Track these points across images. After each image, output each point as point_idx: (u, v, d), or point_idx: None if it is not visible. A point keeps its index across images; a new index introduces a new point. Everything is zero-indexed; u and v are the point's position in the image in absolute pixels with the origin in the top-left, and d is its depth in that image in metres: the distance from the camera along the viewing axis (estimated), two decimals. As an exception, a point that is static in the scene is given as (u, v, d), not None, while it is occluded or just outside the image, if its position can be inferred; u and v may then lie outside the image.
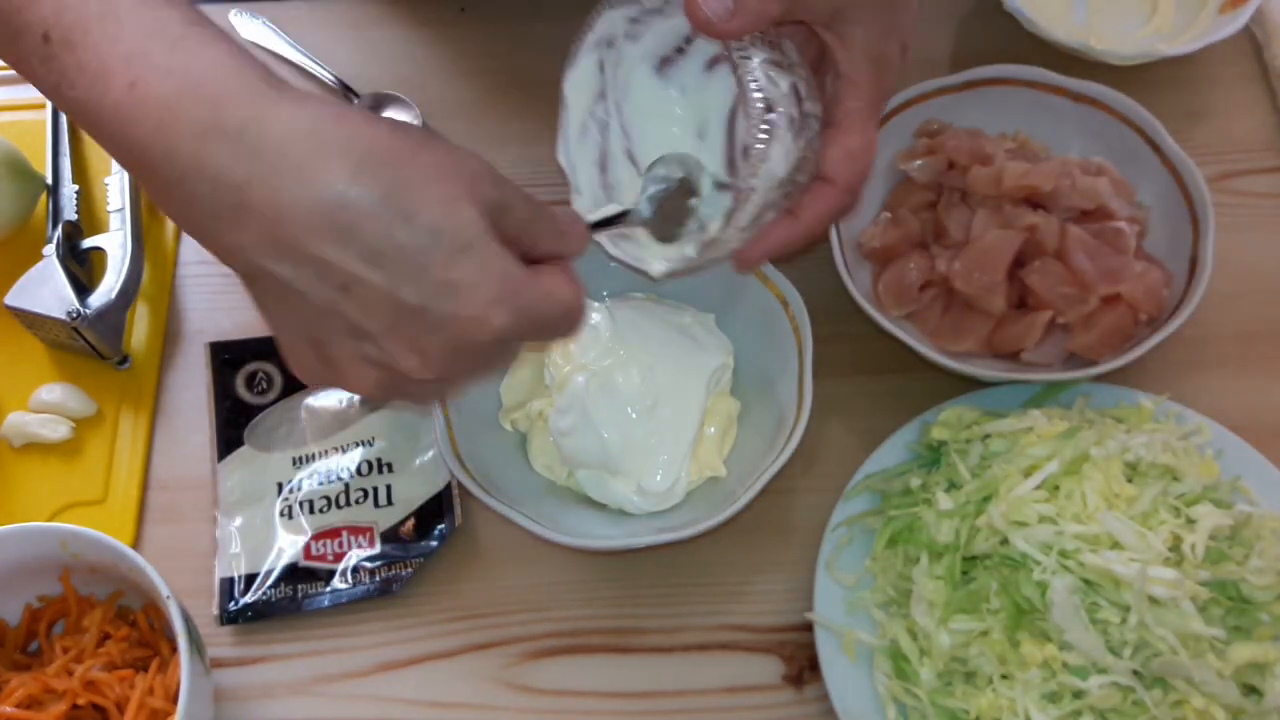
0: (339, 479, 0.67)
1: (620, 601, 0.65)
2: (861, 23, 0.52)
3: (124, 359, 0.72)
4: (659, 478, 0.63)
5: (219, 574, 0.65)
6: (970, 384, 0.67)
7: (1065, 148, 0.72)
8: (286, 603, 0.64)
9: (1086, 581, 0.54)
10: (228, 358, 0.71)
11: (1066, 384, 0.65)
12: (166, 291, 0.75)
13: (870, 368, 0.70)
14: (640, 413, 0.63)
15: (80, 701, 0.57)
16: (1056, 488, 0.58)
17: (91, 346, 0.70)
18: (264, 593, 0.64)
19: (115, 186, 0.75)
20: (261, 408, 0.70)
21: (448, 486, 0.67)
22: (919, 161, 0.70)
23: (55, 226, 0.73)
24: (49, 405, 0.70)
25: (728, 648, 0.64)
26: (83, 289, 0.70)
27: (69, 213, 0.74)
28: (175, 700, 0.54)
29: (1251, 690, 0.55)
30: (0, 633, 0.61)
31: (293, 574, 0.65)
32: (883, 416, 0.67)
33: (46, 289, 0.69)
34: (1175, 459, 0.59)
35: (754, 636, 0.64)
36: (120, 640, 0.59)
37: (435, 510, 0.66)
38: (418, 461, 0.68)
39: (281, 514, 0.66)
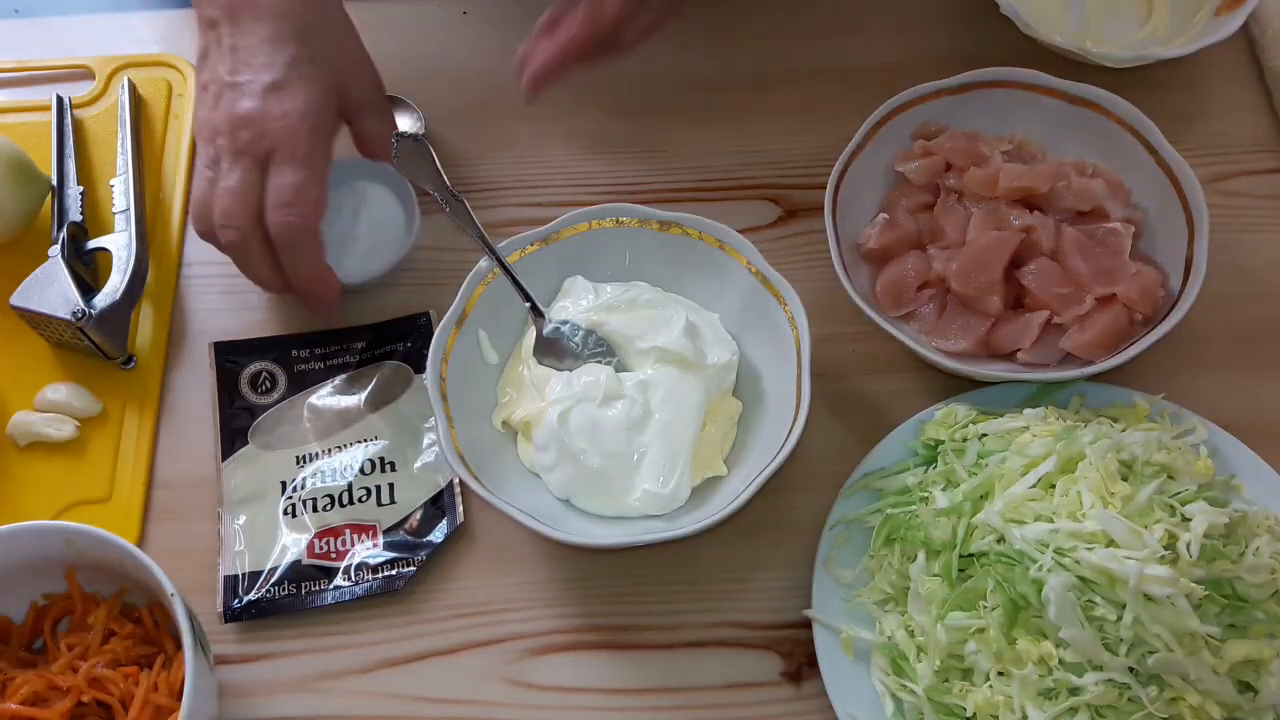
0: (342, 477, 0.68)
1: (620, 599, 0.65)
2: None
3: (129, 359, 0.72)
4: (660, 484, 0.63)
5: (223, 571, 0.65)
6: (967, 383, 0.68)
7: (1061, 149, 0.72)
8: (290, 600, 0.65)
9: (1082, 579, 0.55)
10: (232, 358, 0.72)
11: (1062, 383, 0.66)
12: (171, 292, 0.75)
13: (868, 368, 0.71)
14: (631, 429, 0.64)
15: (85, 698, 0.58)
16: (1052, 486, 0.58)
17: (96, 346, 0.70)
18: (267, 590, 0.65)
19: (120, 188, 0.75)
20: (265, 407, 0.70)
21: (450, 484, 0.67)
22: (916, 163, 0.71)
23: (60, 227, 0.74)
24: (54, 404, 0.71)
25: (727, 645, 0.64)
26: (88, 289, 0.70)
27: (74, 214, 0.75)
28: (179, 697, 0.54)
29: (1247, 687, 0.55)
30: (5, 630, 0.61)
31: (296, 572, 0.65)
32: (880, 416, 0.67)
33: (52, 289, 0.70)
34: (1170, 458, 0.59)
35: (753, 634, 0.64)
36: (125, 637, 0.60)
37: (437, 508, 0.67)
38: (420, 460, 0.68)
39: (285, 512, 0.67)
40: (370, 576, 0.65)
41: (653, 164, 0.78)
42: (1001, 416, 0.63)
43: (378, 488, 0.67)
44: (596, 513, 0.64)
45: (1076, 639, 0.54)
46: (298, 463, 0.68)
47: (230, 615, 0.64)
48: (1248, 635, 0.56)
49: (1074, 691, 0.55)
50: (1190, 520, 0.56)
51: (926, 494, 0.61)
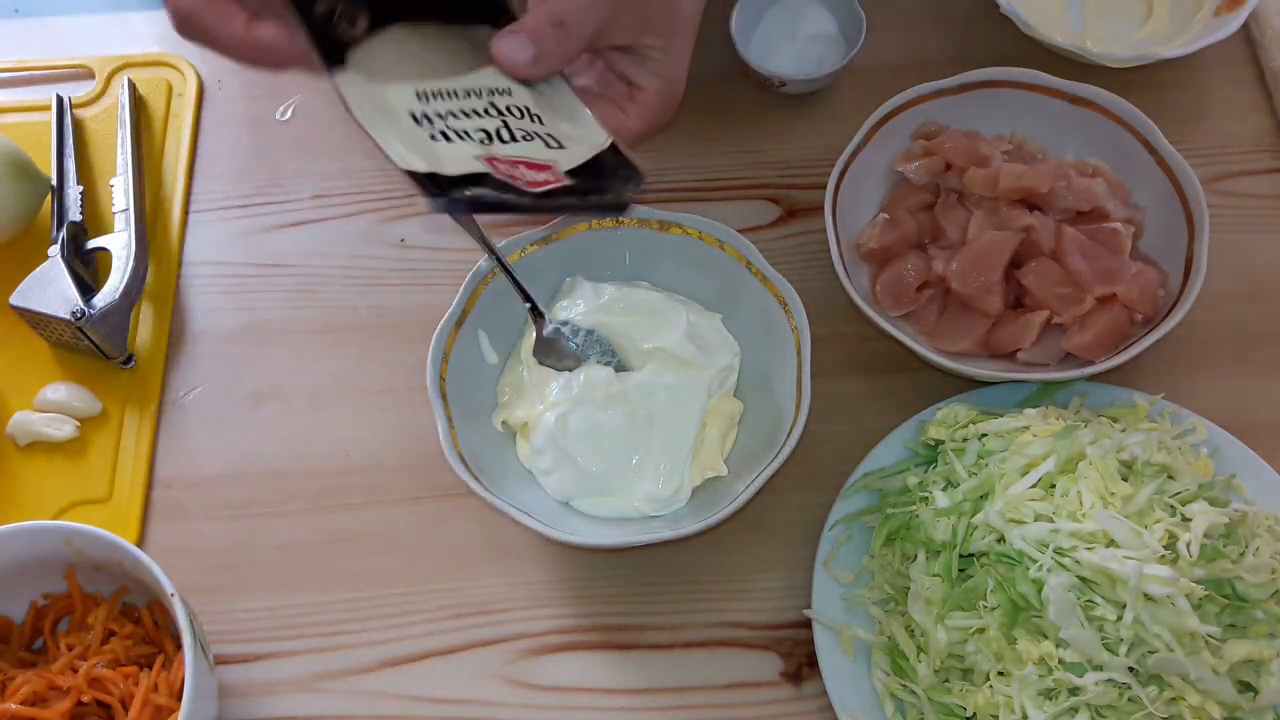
0: (491, 114, 0.53)
1: (620, 599, 0.65)
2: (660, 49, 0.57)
3: (128, 358, 0.72)
4: (660, 485, 0.63)
5: (401, 165, 0.51)
6: (967, 383, 0.68)
7: (1062, 149, 0.73)
8: (503, 190, 0.51)
9: (1083, 579, 0.55)
10: None
11: (1062, 383, 0.66)
12: (171, 291, 0.75)
13: (868, 368, 0.71)
14: (631, 430, 0.64)
15: (85, 698, 0.58)
16: (1053, 486, 0.58)
17: (96, 346, 0.70)
18: (470, 187, 0.51)
19: (120, 188, 0.76)
20: (352, 38, 0.54)
21: (611, 146, 0.55)
22: (916, 163, 0.71)
23: (60, 227, 0.74)
24: (54, 404, 0.71)
25: (727, 645, 0.64)
26: (87, 289, 0.70)
27: (74, 214, 0.75)
28: (179, 697, 0.54)
29: (1247, 687, 0.55)
30: (5, 630, 0.61)
31: (488, 181, 0.51)
32: (880, 416, 0.67)
33: (51, 289, 0.70)
34: (1170, 458, 0.59)
35: (753, 634, 0.64)
36: (125, 637, 0.60)
37: (616, 157, 0.55)
38: (566, 124, 0.56)
39: (433, 139, 0.52)
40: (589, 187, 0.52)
41: (653, 164, 0.78)
42: (1001, 416, 0.63)
43: (536, 134, 0.54)
44: (596, 514, 0.64)
45: (1076, 639, 0.54)
46: (421, 98, 0.53)
47: (445, 205, 0.51)
48: (1248, 635, 0.56)
49: (1074, 691, 0.55)
50: (1190, 520, 0.56)
51: (926, 494, 0.61)
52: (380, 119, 0.52)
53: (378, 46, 0.54)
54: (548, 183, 0.53)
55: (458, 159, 0.52)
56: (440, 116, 0.53)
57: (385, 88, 0.53)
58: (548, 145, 0.54)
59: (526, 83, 0.55)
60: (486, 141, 0.53)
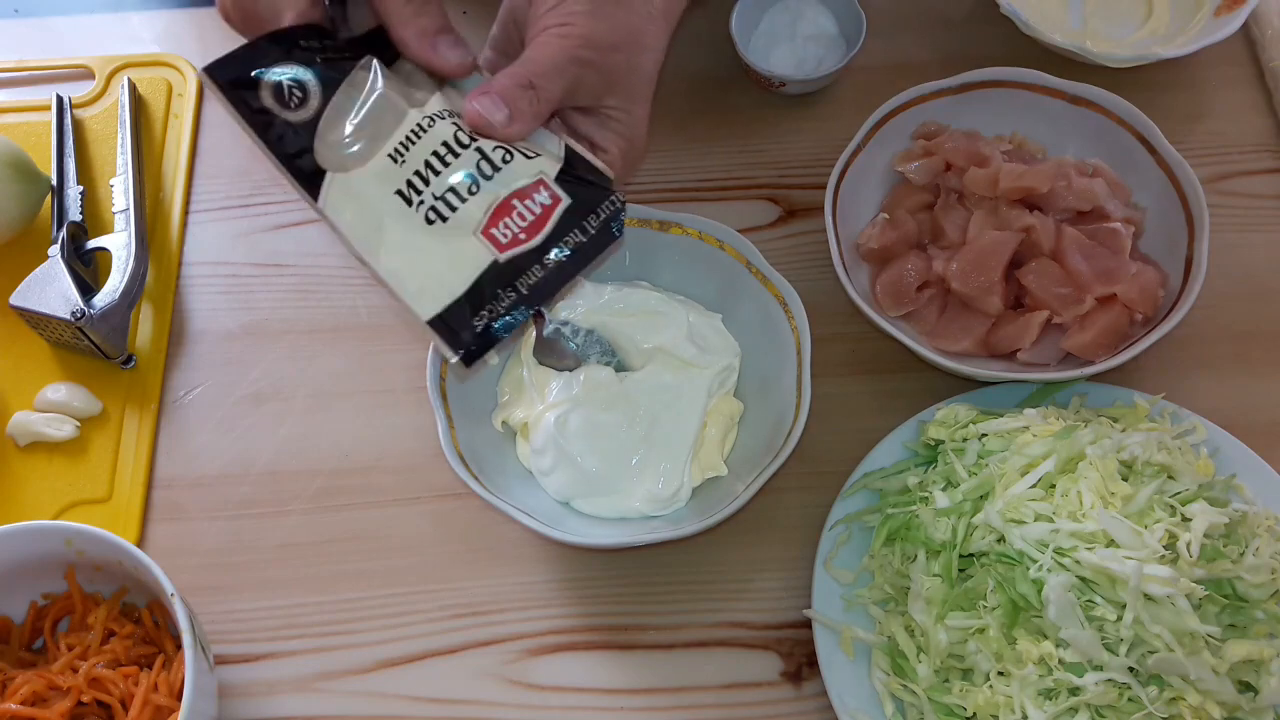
0: (464, 145, 0.51)
1: (620, 599, 0.65)
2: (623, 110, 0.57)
3: (128, 359, 0.72)
4: (660, 485, 0.63)
5: (424, 316, 0.50)
6: (967, 383, 0.68)
7: (1062, 149, 0.73)
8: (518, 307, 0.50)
9: (1082, 579, 0.55)
10: (234, 79, 0.50)
11: (1062, 383, 0.66)
12: (171, 291, 0.75)
13: (868, 367, 0.71)
14: (631, 430, 0.64)
15: (85, 698, 0.58)
16: (1053, 486, 0.58)
17: (96, 346, 0.71)
18: (485, 308, 0.50)
19: (120, 188, 0.76)
20: (309, 123, 0.50)
21: (568, 150, 0.53)
22: (916, 163, 0.71)
23: (60, 227, 0.74)
24: (54, 405, 0.71)
25: (727, 645, 0.64)
26: (87, 289, 0.70)
27: (74, 214, 0.75)
28: (179, 697, 0.54)
29: (1247, 687, 0.55)
30: (5, 630, 0.61)
31: (498, 277, 0.50)
32: (880, 416, 0.67)
33: (51, 289, 0.70)
34: (1170, 458, 0.59)
35: (753, 633, 0.64)
36: (125, 638, 0.60)
37: (577, 165, 0.53)
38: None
39: (429, 221, 0.50)
40: (579, 234, 0.51)
41: (653, 164, 0.78)
42: (1001, 416, 0.63)
43: (512, 150, 0.52)
44: (596, 514, 0.64)
45: (1076, 639, 0.54)
46: (396, 159, 0.50)
47: (469, 353, 0.49)
48: (1248, 635, 0.56)
49: (1074, 691, 0.55)
50: (1190, 520, 0.56)
51: (926, 494, 0.61)
52: (375, 239, 0.50)
53: (330, 120, 0.51)
54: (547, 211, 0.51)
55: (463, 255, 0.50)
56: (424, 181, 0.50)
57: (365, 169, 0.51)
58: (527, 156, 0.53)
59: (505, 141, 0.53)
60: (475, 188, 0.51)
